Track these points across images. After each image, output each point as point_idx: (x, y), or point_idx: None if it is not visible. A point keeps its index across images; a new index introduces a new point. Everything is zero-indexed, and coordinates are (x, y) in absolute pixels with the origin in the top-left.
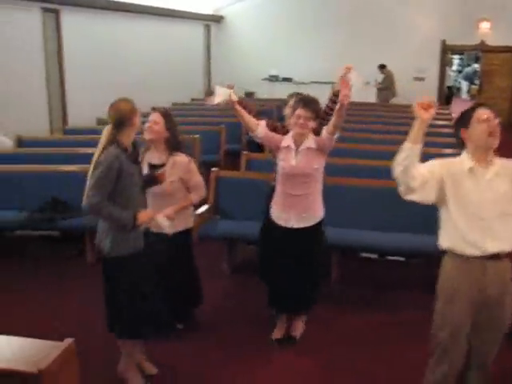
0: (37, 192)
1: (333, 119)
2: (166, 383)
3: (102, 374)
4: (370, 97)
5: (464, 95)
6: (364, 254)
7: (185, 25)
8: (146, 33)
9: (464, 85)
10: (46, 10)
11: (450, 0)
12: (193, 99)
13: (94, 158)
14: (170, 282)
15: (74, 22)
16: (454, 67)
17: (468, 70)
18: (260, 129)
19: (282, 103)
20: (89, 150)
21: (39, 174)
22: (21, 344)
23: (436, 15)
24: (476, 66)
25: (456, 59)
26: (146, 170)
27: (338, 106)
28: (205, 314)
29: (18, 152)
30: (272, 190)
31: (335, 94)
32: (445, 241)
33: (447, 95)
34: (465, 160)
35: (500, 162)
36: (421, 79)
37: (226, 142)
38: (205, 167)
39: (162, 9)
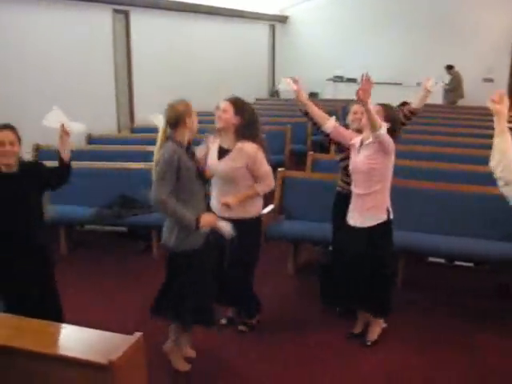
0: (105, 188)
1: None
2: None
3: (165, 367)
4: (437, 98)
5: None
6: (432, 259)
7: (250, 25)
8: (212, 33)
9: None
10: (116, 11)
11: None
12: (257, 99)
13: (155, 156)
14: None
15: (142, 23)
16: None
17: None
18: (329, 123)
19: (347, 104)
20: (153, 148)
21: (108, 171)
22: (92, 336)
23: (507, 14)
24: None
25: None
26: (215, 154)
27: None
28: (268, 313)
29: (87, 149)
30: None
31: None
32: None
33: None
34: None
35: None
36: (490, 80)
37: (291, 143)
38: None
39: (228, 9)
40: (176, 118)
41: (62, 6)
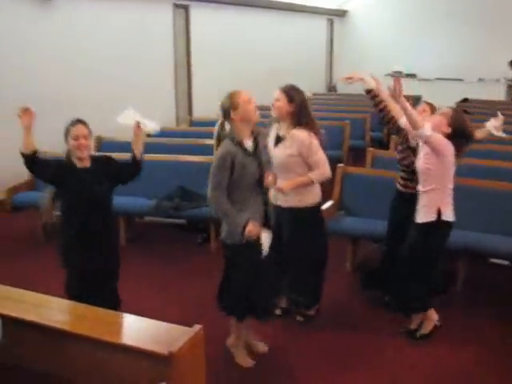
0: (165, 181)
1: None
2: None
3: (223, 360)
4: (500, 95)
5: None
6: (493, 260)
7: (308, 19)
8: (270, 27)
9: None
10: (177, 5)
11: None
12: (314, 94)
13: (214, 152)
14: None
15: (201, 17)
16: None
17: None
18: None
19: (411, 99)
20: (211, 142)
21: (167, 163)
22: (152, 326)
23: None
24: None
25: None
26: (272, 142)
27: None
28: (324, 310)
29: (146, 142)
30: None
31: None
32: None
33: None
34: None
35: None
36: None
37: (350, 138)
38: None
39: (287, 3)
40: (223, 115)
41: (124, 1)
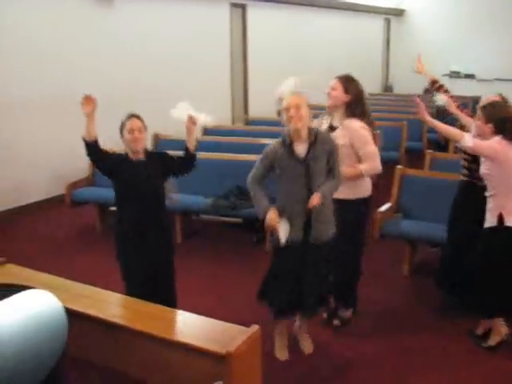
0: (221, 179)
1: None
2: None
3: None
4: None
5: None
6: None
7: (366, 18)
8: (327, 26)
9: None
10: (234, 5)
11: None
12: (370, 94)
13: None
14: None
15: (258, 17)
16: None
17: None
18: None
19: (470, 101)
20: (267, 141)
21: (224, 162)
22: (209, 324)
23: None
24: None
25: None
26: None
27: None
28: (380, 314)
29: (203, 140)
30: None
31: None
32: None
33: None
34: None
35: None
36: None
37: (407, 140)
38: (384, 164)
39: (344, 2)
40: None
41: (182, 1)
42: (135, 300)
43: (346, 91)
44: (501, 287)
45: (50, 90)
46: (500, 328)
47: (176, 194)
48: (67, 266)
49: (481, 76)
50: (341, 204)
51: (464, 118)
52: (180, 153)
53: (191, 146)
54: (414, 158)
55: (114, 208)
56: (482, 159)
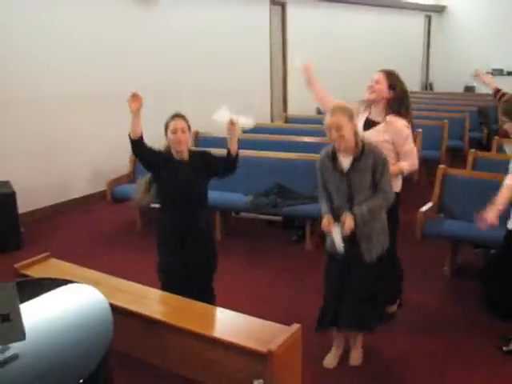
0: (261, 177)
1: None
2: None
3: (314, 361)
4: None
5: None
6: None
7: (405, 15)
8: (367, 24)
9: None
10: (274, 2)
11: None
12: (411, 92)
13: None
14: None
15: (298, 14)
16: None
17: None
18: None
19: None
20: (307, 139)
21: (264, 160)
22: (250, 322)
23: None
24: None
25: None
26: (361, 125)
27: None
28: (422, 314)
29: (242, 138)
30: None
31: None
32: None
33: None
34: None
35: None
36: None
37: (448, 138)
38: (425, 164)
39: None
40: None
41: (223, 1)
42: (176, 297)
43: (390, 87)
44: None
45: (91, 87)
46: None
47: None
48: (108, 262)
49: None
50: None
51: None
52: (222, 151)
53: (233, 148)
54: (455, 157)
55: (154, 205)
56: None
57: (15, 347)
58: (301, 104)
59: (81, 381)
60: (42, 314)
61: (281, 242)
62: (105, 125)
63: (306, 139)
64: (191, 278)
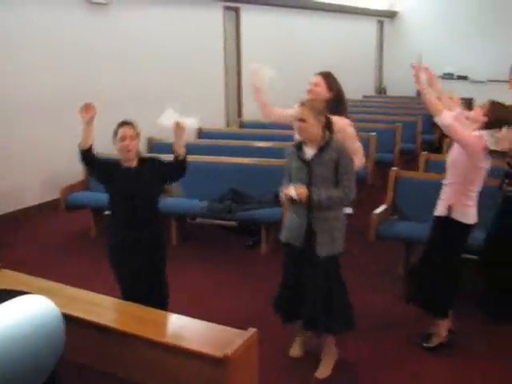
0: (216, 183)
1: None
2: None
3: (275, 364)
4: None
5: None
6: None
7: (358, 21)
8: (319, 29)
9: None
10: (227, 8)
11: None
12: (364, 96)
13: None
14: None
15: (252, 19)
16: None
17: None
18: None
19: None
20: (261, 144)
21: (218, 165)
22: (206, 328)
23: None
24: None
25: None
26: None
27: None
28: (371, 317)
29: (197, 143)
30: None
31: None
32: None
33: None
34: None
35: None
36: None
37: (401, 141)
38: (379, 166)
39: (336, 4)
40: None
41: (176, 5)
42: (130, 304)
43: (329, 88)
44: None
45: (46, 93)
46: (441, 330)
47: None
48: (62, 270)
49: (474, 77)
50: None
51: (443, 97)
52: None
53: (180, 151)
54: (409, 159)
55: (108, 212)
56: (455, 145)
57: None
58: (256, 109)
59: None
60: None
61: (236, 247)
62: (59, 131)
63: (261, 144)
64: (146, 283)
